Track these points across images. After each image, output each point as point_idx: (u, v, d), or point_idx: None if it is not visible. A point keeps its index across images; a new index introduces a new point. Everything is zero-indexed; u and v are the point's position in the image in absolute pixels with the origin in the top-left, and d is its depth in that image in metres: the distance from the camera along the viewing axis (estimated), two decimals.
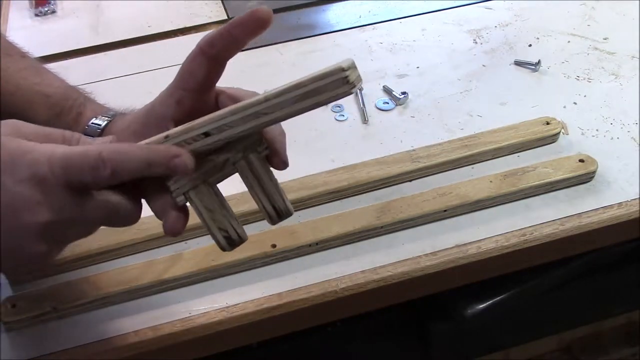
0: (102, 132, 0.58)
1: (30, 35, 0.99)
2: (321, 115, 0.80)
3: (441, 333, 0.70)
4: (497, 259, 0.64)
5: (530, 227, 0.66)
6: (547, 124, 0.75)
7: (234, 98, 0.53)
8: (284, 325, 0.62)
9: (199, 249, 0.64)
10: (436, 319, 0.70)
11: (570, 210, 0.67)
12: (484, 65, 0.87)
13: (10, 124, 0.47)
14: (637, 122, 0.77)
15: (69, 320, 0.61)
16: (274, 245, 0.64)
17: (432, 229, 0.67)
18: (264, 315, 0.61)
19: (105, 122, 0.59)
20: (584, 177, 0.70)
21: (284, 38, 0.94)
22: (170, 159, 0.46)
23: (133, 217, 0.49)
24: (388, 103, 0.82)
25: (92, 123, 0.59)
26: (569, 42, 0.90)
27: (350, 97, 0.81)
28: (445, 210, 0.67)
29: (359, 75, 0.45)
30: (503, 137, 0.73)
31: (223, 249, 0.50)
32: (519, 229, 0.66)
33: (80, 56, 0.94)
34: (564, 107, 0.80)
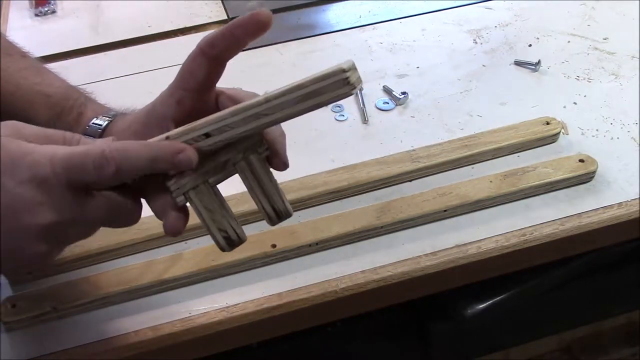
0: (103, 132, 0.58)
1: (30, 35, 0.99)
2: (321, 115, 0.80)
3: (441, 333, 0.71)
4: (497, 259, 0.65)
5: (530, 227, 0.66)
6: (547, 124, 0.75)
7: (234, 99, 0.53)
8: (284, 325, 0.63)
9: (199, 249, 0.64)
10: (436, 319, 0.70)
11: (570, 210, 0.67)
12: (484, 65, 0.87)
13: (10, 125, 0.47)
14: (637, 122, 0.77)
15: (69, 320, 0.61)
16: (274, 245, 0.64)
17: (432, 229, 0.67)
18: (264, 315, 0.61)
19: (106, 122, 0.59)
20: (584, 177, 0.70)
21: (284, 38, 0.94)
22: (175, 155, 0.47)
23: (134, 217, 0.49)
24: (388, 103, 0.82)
25: (93, 123, 0.59)
26: (569, 42, 0.90)
27: (350, 97, 0.80)
28: (445, 210, 0.67)
29: (359, 76, 0.45)
30: (503, 137, 0.73)
31: (222, 249, 0.51)
32: (519, 229, 0.66)
33: (80, 56, 0.94)
34: (564, 107, 0.80)
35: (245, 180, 0.50)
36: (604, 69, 0.85)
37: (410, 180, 0.71)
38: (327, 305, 0.62)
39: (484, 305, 0.69)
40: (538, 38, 0.91)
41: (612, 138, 0.75)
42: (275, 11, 1.00)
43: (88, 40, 0.96)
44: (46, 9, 1.03)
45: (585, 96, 0.81)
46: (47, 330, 0.60)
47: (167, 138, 0.49)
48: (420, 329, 0.70)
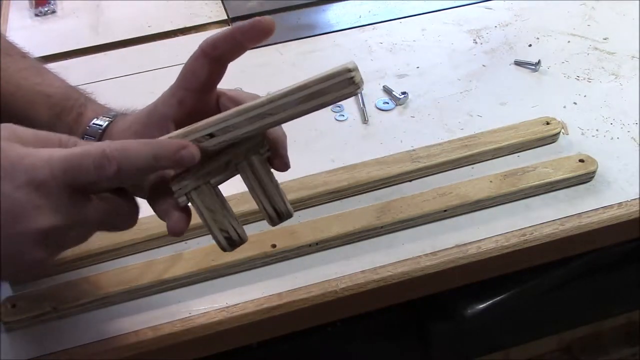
0: (103, 132, 0.58)
1: (30, 35, 0.99)
2: (321, 115, 0.79)
3: (441, 333, 0.71)
4: (497, 259, 0.65)
5: (530, 227, 0.66)
6: (547, 124, 0.75)
7: (235, 100, 0.53)
8: (284, 325, 0.63)
9: (199, 249, 0.64)
10: (436, 319, 0.70)
11: (570, 210, 0.67)
12: (484, 65, 0.87)
13: (6, 128, 0.46)
14: (637, 122, 0.77)
15: (69, 320, 0.61)
16: (274, 245, 0.64)
17: (432, 229, 0.67)
18: (264, 315, 0.61)
19: (107, 122, 0.59)
20: (584, 177, 0.70)
21: (284, 38, 0.94)
22: (177, 151, 0.46)
23: (131, 220, 0.49)
24: (388, 103, 0.82)
25: (94, 123, 0.59)
26: (569, 42, 0.90)
27: (350, 97, 0.81)
28: (445, 210, 0.67)
29: (361, 77, 0.46)
30: (503, 137, 0.73)
31: (224, 249, 0.51)
32: (519, 229, 0.66)
33: (80, 56, 0.94)
34: (564, 107, 0.80)
35: (246, 180, 0.51)
36: (604, 69, 0.85)
37: (410, 180, 0.71)
38: (327, 305, 0.62)
39: (484, 305, 0.69)
40: (538, 38, 0.91)
41: (612, 138, 0.75)
42: (275, 11, 1.00)
43: (88, 40, 0.96)
44: (46, 9, 1.03)
45: (585, 96, 0.81)
46: (47, 330, 0.60)
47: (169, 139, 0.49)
48: (420, 329, 0.70)
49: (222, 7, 1.02)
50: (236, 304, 0.61)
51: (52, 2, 1.04)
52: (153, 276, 0.62)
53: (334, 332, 0.67)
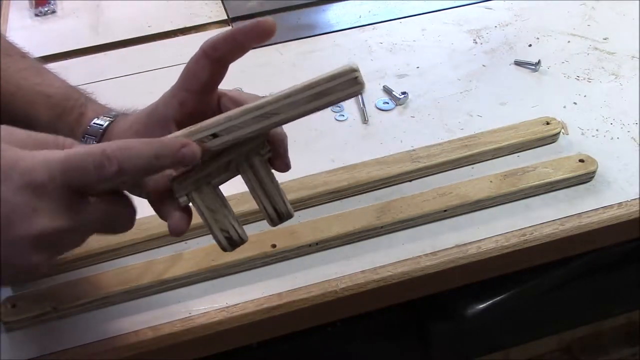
0: (104, 132, 0.58)
1: (30, 35, 0.99)
2: (321, 115, 0.79)
3: (441, 333, 0.71)
4: (497, 259, 0.65)
5: (530, 227, 0.66)
6: (547, 124, 0.75)
7: (236, 101, 0.53)
8: (284, 325, 0.63)
9: (199, 249, 0.64)
10: (436, 319, 0.70)
11: (570, 210, 0.67)
12: (484, 65, 0.87)
13: (3, 130, 0.46)
14: (637, 122, 0.77)
15: (69, 320, 0.61)
16: (274, 245, 0.64)
17: (432, 229, 0.67)
18: (264, 315, 0.61)
19: (108, 122, 0.59)
20: (584, 177, 0.70)
21: (284, 38, 0.94)
22: (178, 149, 0.45)
23: (130, 222, 0.48)
24: (388, 103, 0.82)
25: (94, 123, 0.59)
26: (569, 42, 0.90)
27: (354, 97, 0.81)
28: (445, 210, 0.67)
29: (362, 77, 0.46)
30: (503, 137, 0.73)
31: (224, 249, 0.51)
32: (519, 229, 0.66)
33: (80, 56, 0.94)
34: (564, 107, 0.80)
35: (247, 181, 0.51)
36: (604, 69, 0.85)
37: (410, 180, 0.71)
38: (327, 305, 0.62)
39: (484, 305, 0.69)
40: (538, 38, 0.91)
41: (612, 138, 0.75)
42: (275, 11, 1.00)
43: (88, 40, 0.96)
44: (46, 9, 1.03)
45: (585, 96, 0.81)
46: (47, 330, 0.60)
47: None
48: (420, 329, 0.70)
49: (222, 7, 1.02)
50: (236, 304, 0.61)
51: (52, 2, 1.04)
52: (153, 276, 0.62)
53: (334, 332, 0.67)
